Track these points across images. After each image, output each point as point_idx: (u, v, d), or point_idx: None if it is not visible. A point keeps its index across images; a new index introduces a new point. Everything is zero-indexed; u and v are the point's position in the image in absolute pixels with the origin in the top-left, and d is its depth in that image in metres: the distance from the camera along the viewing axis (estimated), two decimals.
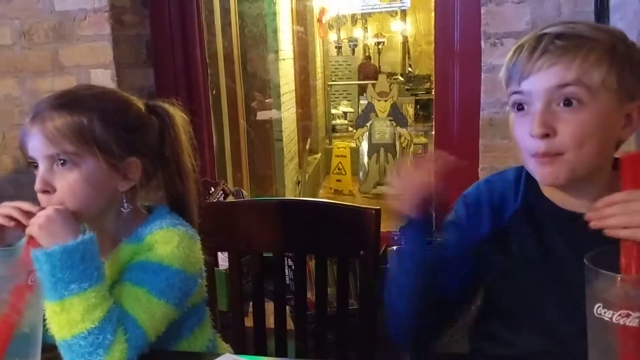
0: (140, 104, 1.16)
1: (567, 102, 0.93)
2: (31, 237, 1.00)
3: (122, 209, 1.12)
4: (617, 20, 1.56)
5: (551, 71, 0.94)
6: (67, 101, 1.08)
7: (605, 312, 0.76)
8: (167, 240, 1.09)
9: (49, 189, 1.05)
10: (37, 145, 1.05)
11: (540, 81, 0.95)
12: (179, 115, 1.20)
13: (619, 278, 0.78)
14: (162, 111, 1.18)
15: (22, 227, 1.02)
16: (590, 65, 0.93)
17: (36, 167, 1.07)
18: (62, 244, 0.96)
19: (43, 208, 1.03)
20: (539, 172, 0.98)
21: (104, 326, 0.97)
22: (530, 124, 0.95)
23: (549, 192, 1.04)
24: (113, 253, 1.10)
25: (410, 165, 1.06)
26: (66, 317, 0.96)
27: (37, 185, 1.05)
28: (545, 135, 0.93)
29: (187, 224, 1.17)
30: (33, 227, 0.99)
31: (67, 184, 1.05)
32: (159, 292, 1.05)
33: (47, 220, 0.99)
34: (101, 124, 1.07)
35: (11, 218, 1.03)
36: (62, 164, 1.05)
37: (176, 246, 1.09)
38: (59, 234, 0.98)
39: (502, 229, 1.07)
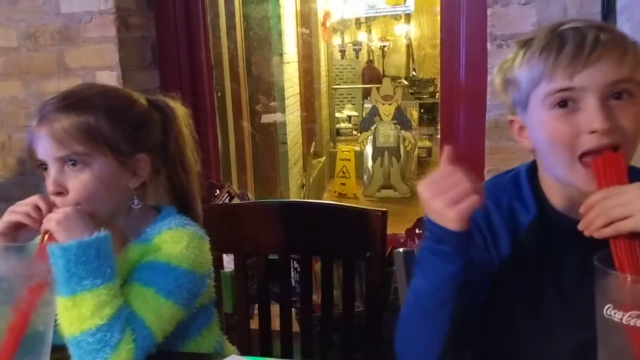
0: (142, 99, 1.16)
1: (619, 96, 0.89)
2: (46, 233, 1.01)
3: (132, 205, 1.13)
4: (624, 22, 1.56)
5: (605, 64, 0.88)
6: (72, 102, 1.08)
7: (615, 313, 0.76)
8: (176, 240, 1.09)
9: (62, 190, 1.05)
10: (46, 148, 1.05)
11: (596, 75, 0.88)
12: (180, 109, 1.20)
13: (629, 278, 0.78)
14: (163, 105, 1.18)
15: (38, 225, 1.03)
16: (637, 61, 0.90)
17: (45, 169, 1.07)
18: (78, 239, 0.97)
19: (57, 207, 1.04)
20: (588, 175, 0.89)
21: (112, 324, 0.97)
22: (589, 120, 0.88)
23: (557, 200, 1.00)
24: (122, 253, 1.10)
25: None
26: (77, 313, 0.97)
27: (50, 188, 1.05)
28: (609, 130, 0.87)
29: (196, 224, 1.17)
30: (50, 222, 1.00)
31: (80, 184, 1.05)
32: (168, 292, 1.05)
33: (64, 217, 1.00)
34: (108, 122, 1.07)
35: (29, 216, 1.04)
36: (73, 165, 1.05)
37: (185, 246, 1.09)
38: (76, 230, 0.99)
39: (520, 243, 1.00)
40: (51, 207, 1.04)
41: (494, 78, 1.04)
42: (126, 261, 1.09)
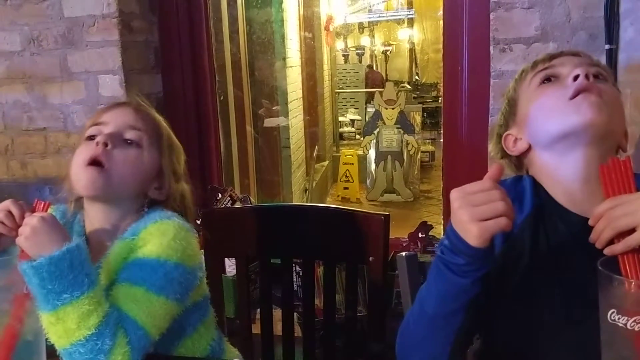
0: None
1: (597, 78, 1.01)
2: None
3: (141, 209, 1.16)
4: (628, 26, 1.56)
5: (581, 58, 1.05)
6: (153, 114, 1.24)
7: (619, 318, 0.76)
8: (163, 233, 1.09)
9: (109, 149, 1.12)
10: (125, 114, 1.17)
11: (572, 60, 1.04)
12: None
13: (633, 283, 0.77)
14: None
15: (13, 232, 1.02)
16: (609, 73, 1.07)
17: (92, 138, 1.14)
18: (48, 254, 0.95)
19: (33, 210, 1.03)
20: (586, 102, 0.97)
21: (101, 331, 0.95)
22: (571, 73, 1.00)
23: (559, 195, 1.01)
24: (109, 251, 1.10)
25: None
26: (62, 327, 0.95)
27: (102, 138, 1.12)
28: (587, 77, 0.98)
29: (182, 218, 1.17)
30: (20, 238, 0.99)
31: (126, 156, 1.14)
32: (159, 288, 1.04)
33: (32, 231, 0.98)
34: (169, 136, 1.23)
35: (2, 224, 1.03)
36: (130, 143, 1.15)
37: (172, 238, 1.08)
38: (45, 244, 0.97)
39: (513, 239, 1.01)
40: (23, 212, 1.03)
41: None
42: (113, 258, 1.09)
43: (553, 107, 1.00)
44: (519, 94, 1.08)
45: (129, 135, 1.15)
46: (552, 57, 1.06)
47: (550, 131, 1.00)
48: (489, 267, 0.89)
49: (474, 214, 0.83)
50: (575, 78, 0.98)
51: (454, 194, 0.87)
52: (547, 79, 1.04)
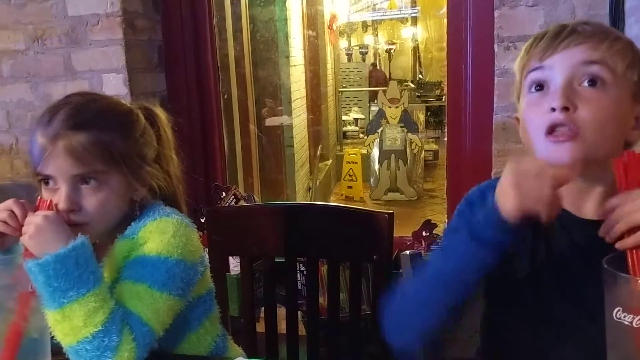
0: (136, 108, 1.16)
1: (591, 82, 0.91)
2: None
3: (136, 211, 1.13)
4: (633, 23, 1.55)
5: (577, 49, 0.92)
6: (87, 118, 1.07)
7: (625, 317, 0.75)
8: (162, 230, 1.08)
9: (75, 208, 1.04)
10: (62, 165, 1.03)
11: (565, 58, 0.92)
12: (162, 113, 1.21)
13: (639, 281, 0.77)
14: (149, 112, 1.18)
15: (17, 232, 1.01)
16: (616, 52, 0.92)
17: (47, 183, 1.06)
18: (53, 252, 0.95)
19: (36, 209, 1.02)
20: (554, 149, 0.91)
21: (108, 328, 0.96)
22: (550, 99, 0.91)
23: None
24: (109, 251, 1.10)
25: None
26: (69, 324, 0.95)
27: (64, 205, 1.03)
28: (565, 109, 0.89)
29: (181, 213, 1.16)
30: (24, 237, 0.98)
31: (97, 202, 1.05)
32: (161, 285, 1.04)
33: (36, 230, 0.97)
34: (121, 139, 1.08)
35: (5, 223, 1.02)
36: (90, 183, 1.05)
37: (172, 235, 1.08)
38: (50, 242, 0.96)
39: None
40: (26, 212, 1.01)
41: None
42: (114, 258, 1.08)
43: (533, 133, 0.95)
44: (517, 78, 1.02)
45: (88, 182, 1.05)
46: (546, 49, 0.95)
47: (539, 154, 0.97)
48: (510, 246, 0.89)
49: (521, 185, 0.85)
50: (552, 108, 0.91)
51: (511, 165, 0.89)
52: (539, 86, 0.96)
